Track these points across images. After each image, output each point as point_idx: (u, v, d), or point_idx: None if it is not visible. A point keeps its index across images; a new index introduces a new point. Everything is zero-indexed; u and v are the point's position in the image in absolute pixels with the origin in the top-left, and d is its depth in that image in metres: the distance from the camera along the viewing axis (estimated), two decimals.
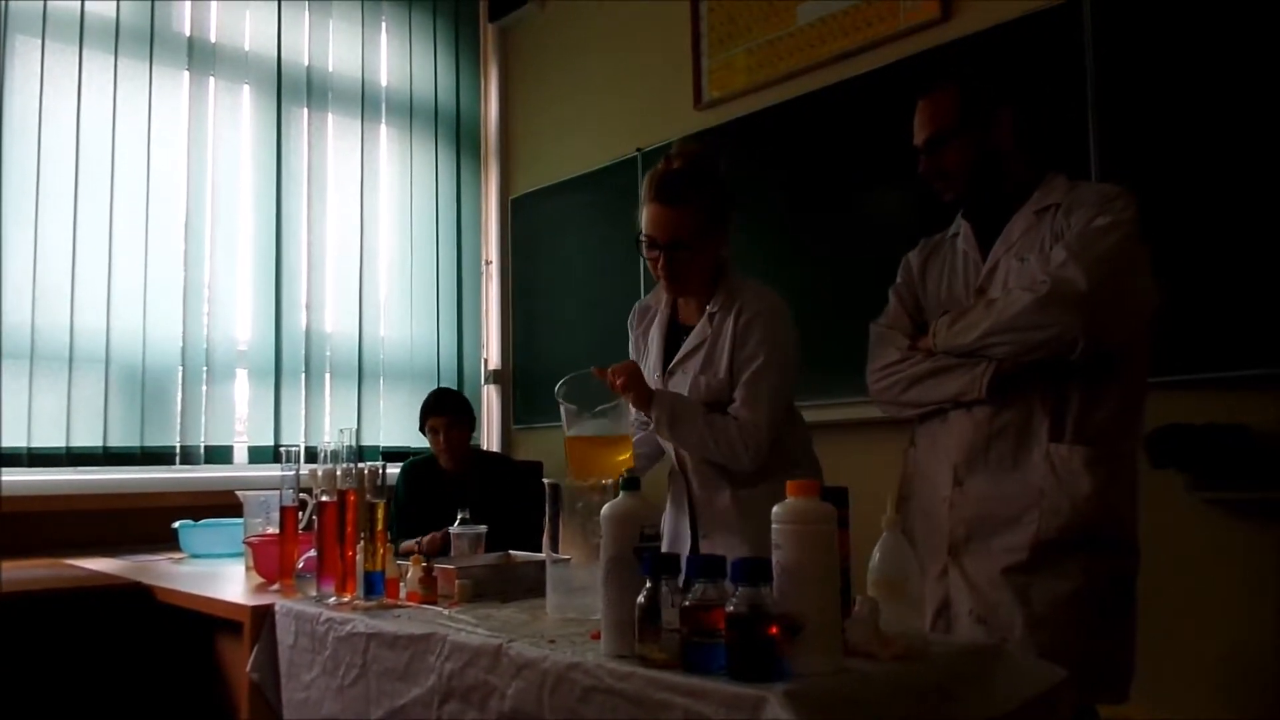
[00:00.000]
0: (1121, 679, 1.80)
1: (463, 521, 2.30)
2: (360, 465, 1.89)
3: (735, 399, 2.04)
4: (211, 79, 3.96)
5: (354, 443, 1.91)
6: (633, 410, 2.03)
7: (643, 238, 2.06)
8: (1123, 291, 1.73)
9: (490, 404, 4.81)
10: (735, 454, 2.01)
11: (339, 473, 1.89)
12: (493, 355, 4.82)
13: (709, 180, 2.06)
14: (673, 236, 2.03)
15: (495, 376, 4.79)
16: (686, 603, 1.20)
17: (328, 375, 4.21)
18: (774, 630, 1.15)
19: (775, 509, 1.20)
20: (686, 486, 2.16)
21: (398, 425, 4.29)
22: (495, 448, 4.73)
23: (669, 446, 2.17)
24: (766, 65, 3.63)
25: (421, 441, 3.51)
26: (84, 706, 2.27)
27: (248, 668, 1.93)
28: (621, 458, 1.90)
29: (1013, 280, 1.82)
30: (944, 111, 1.88)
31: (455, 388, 4.49)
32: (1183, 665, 2.49)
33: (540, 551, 2.02)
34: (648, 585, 1.25)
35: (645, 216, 2.06)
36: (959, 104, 1.88)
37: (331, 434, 4.05)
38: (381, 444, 4.23)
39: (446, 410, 3.40)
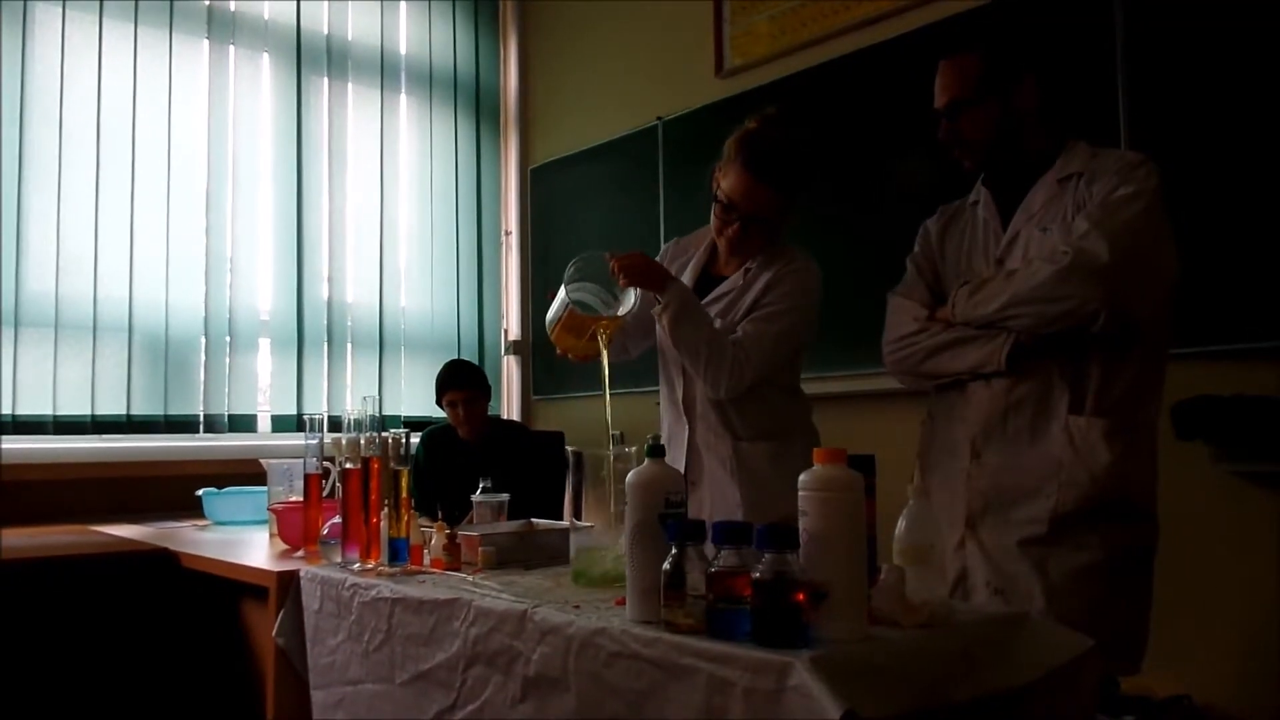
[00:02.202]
0: (1135, 649, 1.80)
1: (485, 490, 2.30)
2: (384, 434, 1.89)
3: (739, 330, 2.04)
4: (231, 47, 3.95)
5: (377, 411, 1.92)
6: (634, 295, 2.00)
7: (721, 197, 2.04)
8: (1145, 262, 1.70)
9: (510, 374, 4.81)
10: (718, 374, 2.00)
11: (363, 440, 1.90)
12: (512, 326, 4.82)
13: (802, 159, 2.04)
14: (756, 211, 2.02)
15: (515, 347, 4.80)
16: (712, 569, 1.21)
17: (349, 345, 4.23)
18: (800, 597, 1.14)
19: (803, 476, 1.20)
20: (690, 430, 2.15)
21: (419, 395, 4.30)
22: (515, 418, 4.74)
23: (678, 385, 2.16)
24: (790, 31, 3.58)
25: (442, 412, 3.53)
26: (110, 669, 2.30)
27: (273, 632, 1.96)
28: (597, 336, 1.94)
29: (1034, 250, 1.79)
30: (965, 78, 1.85)
31: (476, 358, 4.50)
32: (1206, 636, 2.48)
33: (559, 519, 2.04)
34: (673, 551, 1.25)
35: (732, 180, 2.02)
36: (980, 71, 1.84)
37: (353, 403, 4.07)
38: (403, 414, 4.25)
39: (463, 384, 3.41)
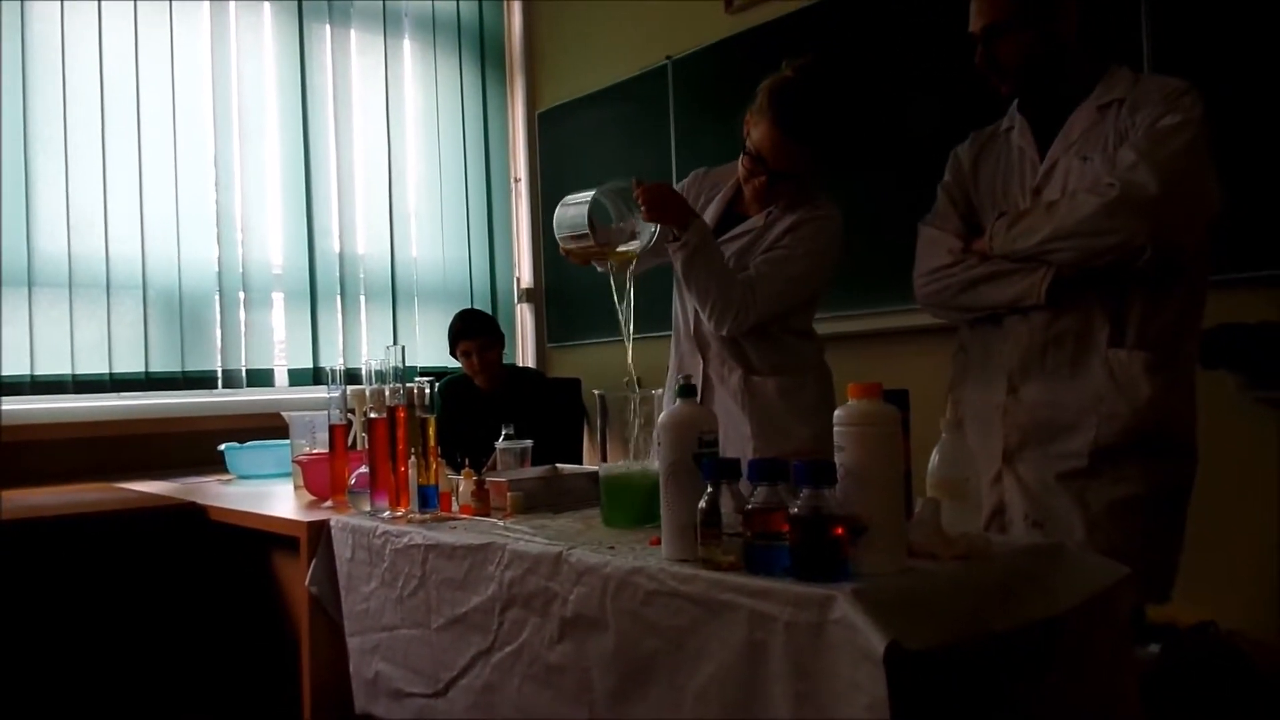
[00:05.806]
0: (1166, 580, 1.80)
1: (508, 437, 2.31)
2: (410, 384, 1.89)
3: (750, 268, 2.02)
4: None
5: (401, 361, 1.91)
6: (652, 229, 1.97)
7: (749, 148, 2.01)
8: (1192, 195, 1.66)
9: (524, 323, 4.80)
10: (724, 312, 1.99)
11: (388, 390, 1.90)
12: (525, 274, 4.80)
13: (837, 115, 1.99)
14: (783, 166, 1.99)
15: (528, 295, 4.78)
16: (749, 506, 1.20)
17: (362, 297, 4.22)
18: (839, 531, 1.14)
19: (839, 411, 1.19)
20: (704, 362, 2.15)
21: (433, 345, 4.30)
22: (531, 366, 4.73)
23: (690, 313, 2.15)
24: None
25: (457, 362, 3.53)
26: (145, 622, 2.33)
27: (306, 581, 1.97)
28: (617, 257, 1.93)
29: (1073, 180, 1.75)
30: (1004, 0, 1.78)
31: (489, 307, 4.49)
32: (1230, 563, 2.48)
33: (577, 464, 2.04)
34: (709, 490, 1.25)
35: (761, 133, 1.98)
36: None
37: (369, 355, 4.07)
38: (418, 364, 4.25)
39: (475, 333, 3.42)
